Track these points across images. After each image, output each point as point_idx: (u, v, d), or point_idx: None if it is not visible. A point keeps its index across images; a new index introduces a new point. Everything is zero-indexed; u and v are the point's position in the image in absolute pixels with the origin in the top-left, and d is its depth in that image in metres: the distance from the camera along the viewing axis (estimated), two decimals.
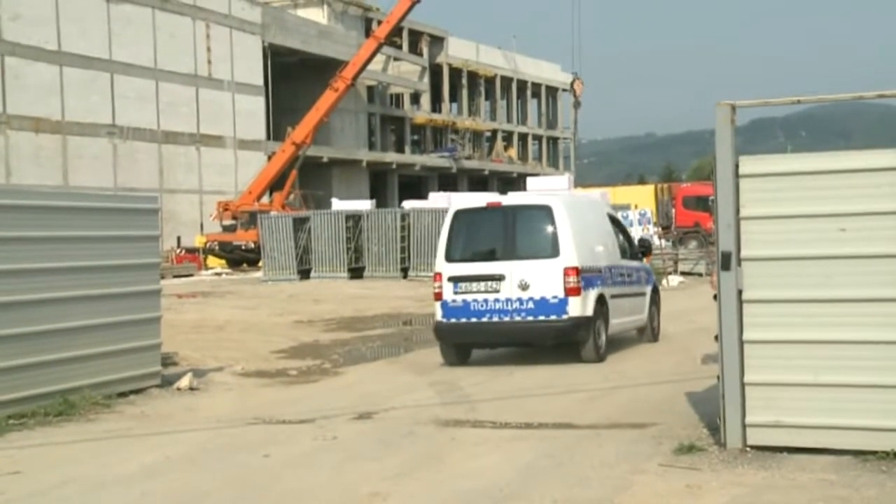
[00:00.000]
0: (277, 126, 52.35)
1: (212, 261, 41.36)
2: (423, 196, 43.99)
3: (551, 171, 79.02)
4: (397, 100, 71.88)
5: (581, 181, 61.79)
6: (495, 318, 12.02)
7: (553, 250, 11.93)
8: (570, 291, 11.82)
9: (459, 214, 12.53)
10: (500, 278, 11.98)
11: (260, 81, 52.33)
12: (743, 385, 6.87)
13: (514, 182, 68.12)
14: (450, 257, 12.36)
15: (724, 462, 6.66)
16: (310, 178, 51.48)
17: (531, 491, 6.24)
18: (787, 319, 6.78)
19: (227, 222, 43.46)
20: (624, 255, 13.70)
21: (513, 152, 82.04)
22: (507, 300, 11.95)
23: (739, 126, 7.13)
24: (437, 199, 35.58)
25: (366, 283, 28.57)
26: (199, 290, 27.15)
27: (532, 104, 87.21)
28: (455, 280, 12.21)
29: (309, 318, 19.23)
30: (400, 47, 66.94)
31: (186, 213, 46.65)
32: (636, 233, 27.51)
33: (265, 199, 45.39)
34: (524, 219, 12.43)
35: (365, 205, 35.97)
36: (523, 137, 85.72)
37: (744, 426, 6.87)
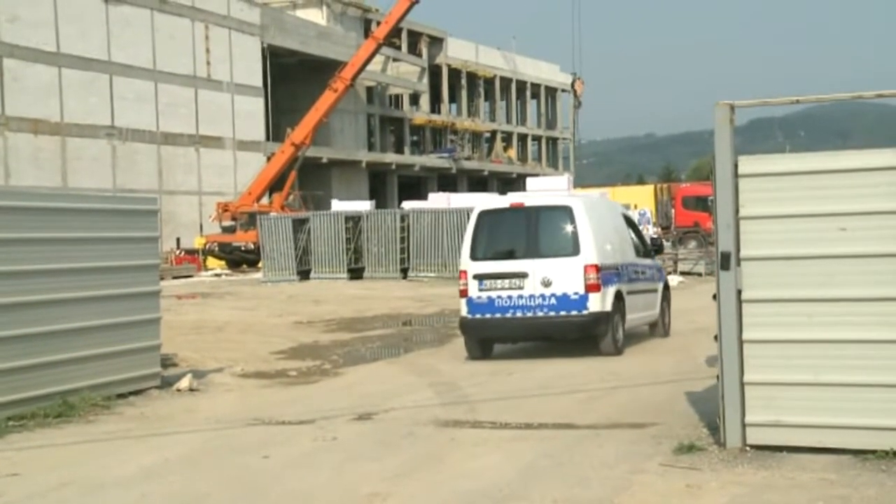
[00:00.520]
0: (277, 127, 52.36)
1: (211, 262, 41.37)
2: (423, 197, 43.98)
3: (550, 171, 79.04)
4: (396, 100, 71.90)
5: (580, 181, 61.78)
6: (519, 314, 12.51)
7: (574, 249, 12.44)
8: (590, 288, 12.35)
9: (483, 215, 12.99)
10: (523, 275, 12.48)
11: (259, 82, 52.35)
12: (742, 384, 6.87)
13: (513, 182, 68.12)
14: (475, 256, 12.81)
15: (724, 461, 6.66)
16: (309, 178, 51.48)
17: (531, 491, 6.24)
18: (787, 319, 6.78)
19: (227, 223, 43.46)
20: (637, 253, 14.20)
21: (512, 153, 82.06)
22: (531, 296, 12.44)
23: (738, 126, 7.13)
24: (437, 200, 35.59)
25: (365, 284, 28.57)
26: (199, 292, 27.15)
27: (531, 105, 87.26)
28: (480, 277, 12.66)
29: (308, 318, 19.23)
30: (399, 48, 66.96)
31: (186, 215, 46.64)
32: None
33: (265, 200, 45.40)
34: (546, 219, 12.91)
35: (364, 205, 35.98)
36: (522, 138, 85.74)
37: (743, 426, 6.87)
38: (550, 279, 12.39)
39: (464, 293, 12.79)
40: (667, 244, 35.61)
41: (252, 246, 39.38)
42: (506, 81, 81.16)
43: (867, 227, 6.58)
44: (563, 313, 12.38)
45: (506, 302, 12.52)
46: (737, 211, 6.87)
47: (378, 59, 58.30)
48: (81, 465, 7.49)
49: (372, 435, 8.18)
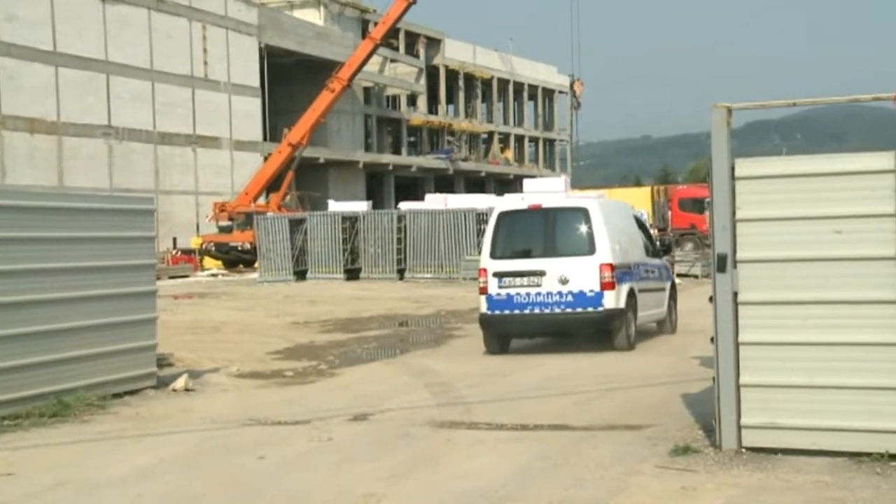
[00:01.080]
0: (274, 127, 52.35)
1: (208, 262, 41.35)
2: (420, 197, 43.99)
3: (547, 172, 79.17)
4: (394, 101, 71.90)
5: (577, 183, 61.82)
6: (537, 310, 13.01)
7: (590, 248, 12.99)
8: (605, 286, 12.88)
9: (503, 216, 13.53)
10: (541, 274, 12.99)
11: (256, 83, 52.33)
12: (738, 387, 6.88)
13: (510, 184, 68.22)
14: (494, 255, 13.33)
15: (720, 463, 6.66)
16: (306, 179, 51.47)
17: (527, 492, 6.24)
18: (783, 321, 6.79)
19: (224, 223, 43.45)
20: (647, 253, 14.80)
21: (509, 154, 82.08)
22: (548, 293, 12.96)
23: (735, 128, 7.13)
24: (434, 201, 35.61)
25: (362, 285, 28.56)
26: (195, 292, 27.14)
27: (528, 106, 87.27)
28: (499, 275, 13.17)
29: (305, 319, 19.23)
30: (396, 49, 66.97)
31: (182, 215, 46.61)
32: None
33: (261, 201, 45.38)
34: (563, 219, 13.52)
35: (361, 206, 35.99)
36: (520, 139, 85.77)
37: (739, 428, 6.87)
38: (567, 277, 12.89)
39: (483, 290, 13.29)
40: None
41: (249, 246, 39.39)
42: (503, 83, 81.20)
43: (863, 230, 6.59)
44: (579, 310, 12.89)
45: (524, 299, 13.01)
46: (733, 213, 6.88)
47: (375, 60, 58.31)
48: (77, 464, 7.47)
49: (368, 435, 8.18)
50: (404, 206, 34.94)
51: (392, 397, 10.09)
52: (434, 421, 8.66)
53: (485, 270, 13.32)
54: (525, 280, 13.04)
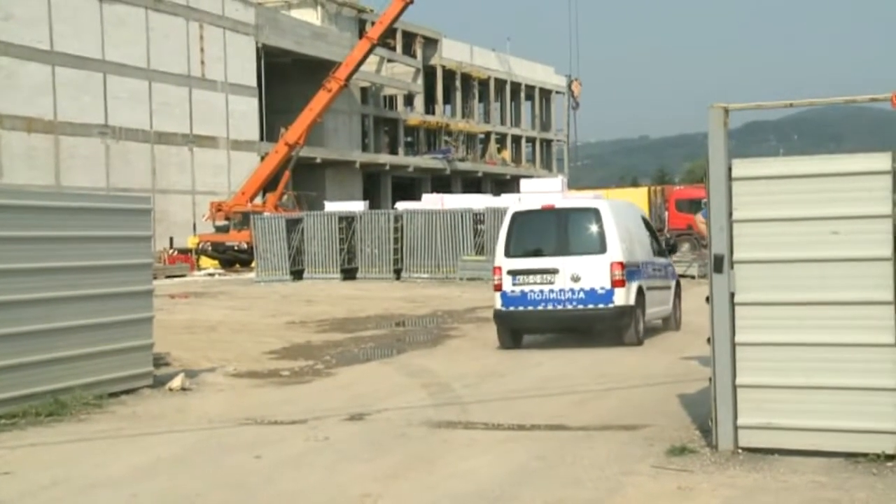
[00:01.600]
0: (271, 127, 52.31)
1: (204, 261, 41.33)
2: (417, 197, 43.98)
3: (544, 173, 79.16)
4: (391, 101, 71.89)
5: (574, 183, 61.82)
6: (550, 307, 13.47)
7: (601, 247, 13.45)
8: (615, 283, 13.33)
9: (517, 216, 14.01)
10: (554, 271, 13.44)
11: (253, 82, 52.30)
12: (735, 387, 6.88)
13: (507, 184, 68.25)
14: (508, 253, 13.75)
15: (716, 464, 6.67)
16: (303, 179, 51.46)
17: (523, 492, 6.24)
18: (779, 322, 6.80)
19: (220, 223, 43.43)
20: (654, 252, 15.22)
21: (506, 154, 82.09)
22: (561, 290, 13.41)
23: (732, 129, 7.14)
24: (431, 201, 35.60)
25: (359, 285, 28.56)
26: (192, 291, 27.13)
27: (526, 106, 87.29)
28: (514, 273, 13.60)
29: (301, 319, 19.22)
30: (394, 49, 66.96)
31: (179, 214, 46.58)
32: None
33: (258, 200, 45.36)
34: (575, 219, 13.99)
35: (358, 206, 35.97)
36: (517, 139, 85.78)
37: (735, 428, 6.88)
38: (579, 275, 13.35)
39: (498, 288, 13.71)
40: None
41: (245, 246, 39.36)
42: (500, 83, 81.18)
43: (859, 230, 6.59)
44: (590, 306, 13.35)
45: (537, 296, 13.46)
46: (730, 214, 6.89)
47: (372, 60, 58.29)
48: (73, 463, 7.47)
49: (364, 435, 8.18)
50: (401, 206, 34.91)
51: (388, 397, 10.08)
52: (431, 421, 8.66)
53: (499, 268, 13.73)
54: (538, 278, 13.46)
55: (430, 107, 73.56)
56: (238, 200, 44.58)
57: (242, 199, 44.48)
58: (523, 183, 36.65)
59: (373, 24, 53.10)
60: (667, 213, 43.36)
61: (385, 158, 64.93)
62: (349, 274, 30.23)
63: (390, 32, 56.36)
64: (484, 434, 8.10)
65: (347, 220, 30.72)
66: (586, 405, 9.29)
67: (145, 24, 45.57)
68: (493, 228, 28.62)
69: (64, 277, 9.69)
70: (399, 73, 69.36)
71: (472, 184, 72.31)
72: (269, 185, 45.95)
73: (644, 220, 15.91)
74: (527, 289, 13.49)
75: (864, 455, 6.53)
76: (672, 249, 18.49)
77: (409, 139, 73.47)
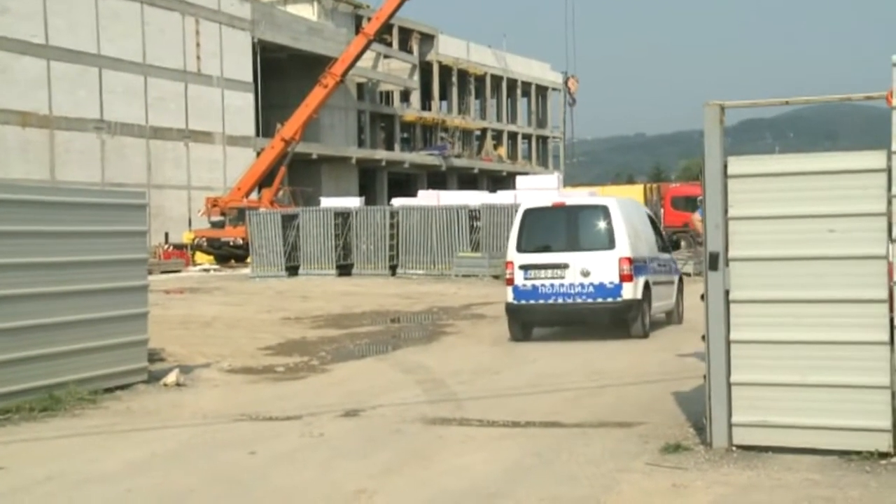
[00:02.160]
0: (267, 122, 52.24)
1: (200, 257, 41.26)
2: (413, 194, 43.94)
3: (540, 169, 79.09)
4: (387, 97, 71.79)
5: (570, 180, 61.87)
6: (560, 300, 13.95)
7: (610, 243, 13.91)
8: (624, 278, 13.80)
9: (528, 212, 14.46)
10: (564, 266, 13.92)
11: (249, 77, 52.20)
12: (729, 385, 6.89)
13: (503, 181, 68.13)
14: (520, 248, 14.21)
15: (710, 461, 6.68)
16: (299, 174, 51.38)
17: (518, 489, 6.24)
18: (774, 320, 6.80)
19: (216, 218, 43.33)
20: (658, 248, 15.66)
21: (502, 151, 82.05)
22: (571, 285, 13.89)
23: (728, 127, 7.14)
24: (427, 197, 35.55)
25: (354, 281, 28.54)
26: (187, 287, 27.09)
27: (522, 103, 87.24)
28: (525, 268, 14.07)
29: (297, 314, 19.21)
30: (390, 45, 66.87)
31: (174, 209, 46.50)
32: None
33: (254, 196, 45.29)
34: (585, 216, 14.47)
35: (354, 202, 35.92)
36: (513, 136, 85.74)
37: (730, 426, 6.89)
38: (589, 270, 13.81)
39: (510, 282, 14.20)
40: None
41: (241, 241, 39.30)
42: (496, 79, 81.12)
43: (855, 228, 6.60)
44: (599, 300, 13.82)
45: (548, 289, 13.92)
46: (726, 211, 6.89)
47: (369, 56, 58.20)
48: (67, 459, 7.46)
49: (359, 432, 8.18)
50: (397, 202, 34.86)
51: (383, 393, 10.08)
52: (425, 417, 8.66)
53: (511, 263, 14.21)
54: (549, 272, 13.93)
55: (426, 103, 73.49)
56: (234, 196, 44.51)
57: (238, 195, 44.41)
58: (519, 180, 36.60)
59: (369, 19, 52.98)
60: (662, 211, 43.37)
61: (381, 154, 64.88)
62: (345, 270, 30.20)
63: (387, 28, 56.25)
64: (479, 430, 8.10)
65: (343, 216, 30.69)
66: (581, 402, 9.30)
67: (141, 19, 45.46)
68: (488, 225, 28.65)
69: (58, 272, 9.67)
70: (395, 69, 69.27)
71: (468, 180, 72.24)
72: (265, 181, 45.87)
73: (649, 217, 16.37)
74: (538, 283, 13.93)
75: (858, 453, 6.54)
76: (675, 246, 18.96)
77: (405, 135, 73.39)
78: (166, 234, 43.74)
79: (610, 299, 13.80)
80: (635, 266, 13.92)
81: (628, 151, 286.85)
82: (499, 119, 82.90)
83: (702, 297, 7.13)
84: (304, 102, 46.27)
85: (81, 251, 9.92)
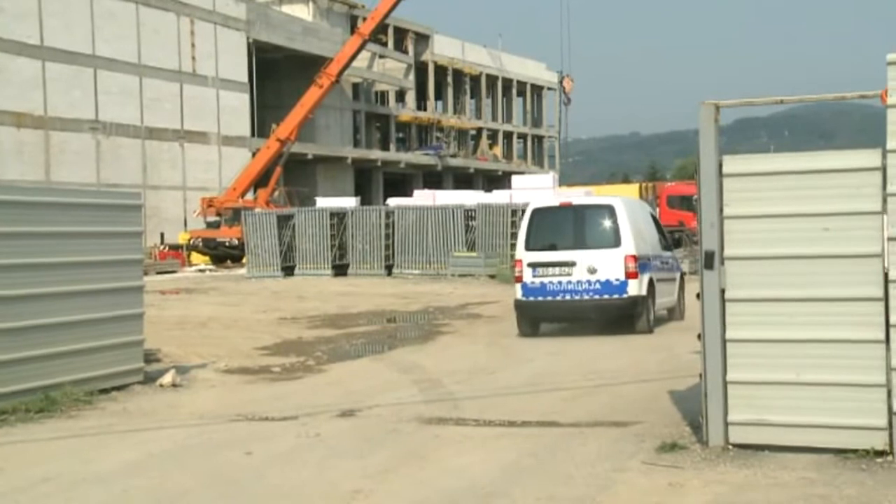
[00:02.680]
0: (262, 122, 52.21)
1: (195, 257, 41.22)
2: (408, 194, 43.93)
3: (536, 169, 79.13)
4: (382, 97, 71.79)
5: (565, 180, 61.89)
6: (567, 297, 14.35)
7: (616, 241, 14.32)
8: (629, 275, 14.21)
9: (536, 212, 14.85)
10: (571, 264, 14.33)
11: (244, 78, 52.19)
12: (725, 383, 6.90)
13: (499, 180, 68.13)
14: (529, 247, 14.62)
15: (707, 460, 6.68)
16: (294, 174, 51.36)
17: (514, 489, 6.25)
18: (770, 318, 6.81)
19: (211, 219, 43.30)
20: (661, 246, 16.01)
21: (498, 150, 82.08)
22: (578, 282, 14.30)
23: (723, 126, 7.15)
24: (422, 197, 35.55)
25: (350, 281, 28.54)
26: (183, 287, 27.08)
27: (517, 103, 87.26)
28: (534, 265, 14.48)
29: (293, 315, 19.20)
30: (385, 45, 66.86)
31: (170, 210, 46.47)
32: None
33: (249, 196, 45.26)
34: (591, 215, 14.83)
35: (349, 202, 35.91)
36: (508, 136, 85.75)
37: (726, 424, 6.89)
38: (595, 267, 14.22)
39: (519, 279, 14.60)
40: None
41: (236, 242, 39.27)
42: (492, 79, 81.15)
43: (850, 227, 6.61)
44: (606, 297, 14.23)
45: (556, 286, 14.33)
46: (721, 210, 6.90)
47: (364, 56, 58.18)
48: (63, 460, 7.45)
49: (355, 432, 8.18)
50: (392, 202, 34.87)
51: (380, 393, 10.08)
52: (422, 417, 8.66)
53: (520, 261, 14.61)
54: (557, 270, 14.34)
55: (421, 103, 73.49)
56: (229, 196, 44.47)
57: (233, 195, 44.37)
58: (514, 179, 36.63)
59: (364, 19, 52.98)
60: (658, 210, 43.39)
61: (376, 154, 64.88)
62: (340, 270, 30.19)
63: (382, 28, 56.25)
64: (475, 430, 8.10)
65: (339, 216, 30.68)
66: (577, 402, 9.30)
67: (136, 20, 45.43)
68: (484, 225, 28.67)
69: (53, 273, 9.65)
70: (391, 69, 69.28)
71: (464, 180, 72.24)
72: (261, 181, 45.85)
73: (652, 216, 16.72)
74: (546, 280, 14.32)
75: (854, 451, 6.55)
76: (677, 244, 19.31)
77: (400, 135, 73.38)
78: (162, 235, 43.71)
79: (616, 296, 14.18)
80: (640, 263, 14.29)
81: (624, 151, 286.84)
82: (494, 119, 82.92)
83: (697, 295, 7.13)
84: (299, 103, 46.25)
85: (76, 252, 9.90)
